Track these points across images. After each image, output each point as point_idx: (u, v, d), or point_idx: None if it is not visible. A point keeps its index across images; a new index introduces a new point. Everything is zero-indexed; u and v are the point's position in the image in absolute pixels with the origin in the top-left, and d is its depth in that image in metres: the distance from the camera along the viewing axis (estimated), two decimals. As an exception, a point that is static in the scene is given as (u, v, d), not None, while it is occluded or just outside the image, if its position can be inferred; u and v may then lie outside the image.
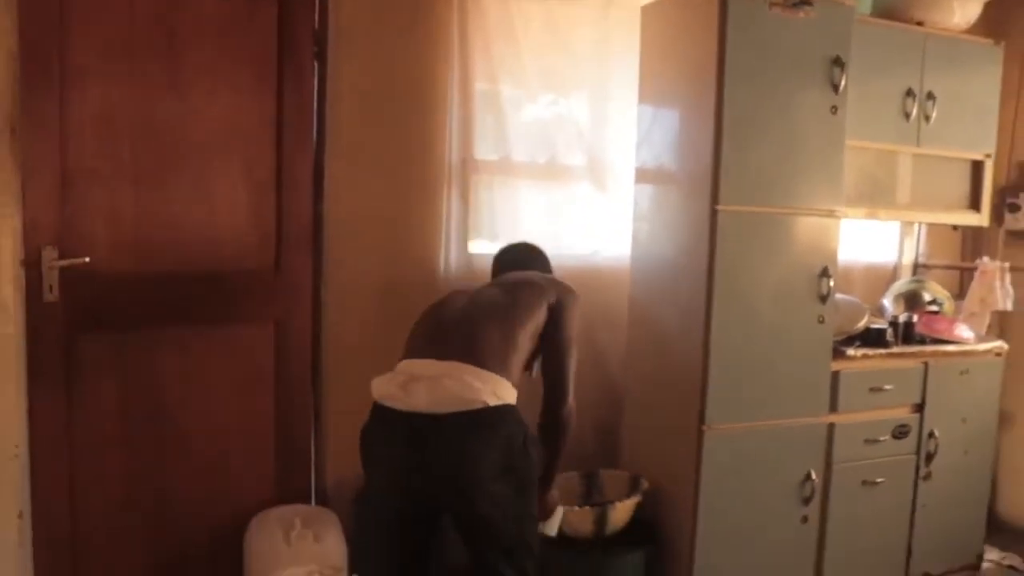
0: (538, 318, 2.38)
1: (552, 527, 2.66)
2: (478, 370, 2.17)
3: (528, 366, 2.44)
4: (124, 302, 2.69)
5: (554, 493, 2.58)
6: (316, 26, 2.94)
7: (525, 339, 2.32)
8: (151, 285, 2.72)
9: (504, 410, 2.14)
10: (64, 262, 2.54)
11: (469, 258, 3.22)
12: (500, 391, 2.15)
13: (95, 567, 2.70)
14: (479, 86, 3.20)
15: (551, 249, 3.30)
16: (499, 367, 2.20)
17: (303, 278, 2.99)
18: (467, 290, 2.57)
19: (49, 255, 2.53)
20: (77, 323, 2.60)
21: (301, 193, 2.96)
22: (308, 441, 3.08)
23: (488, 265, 3.19)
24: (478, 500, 2.14)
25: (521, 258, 2.81)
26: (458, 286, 2.80)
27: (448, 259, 3.20)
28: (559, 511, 2.67)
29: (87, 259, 2.57)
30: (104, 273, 2.63)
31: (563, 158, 3.36)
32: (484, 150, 3.25)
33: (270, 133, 2.88)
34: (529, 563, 2.24)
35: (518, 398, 2.25)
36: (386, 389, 2.21)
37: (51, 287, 2.54)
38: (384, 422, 2.22)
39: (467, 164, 3.20)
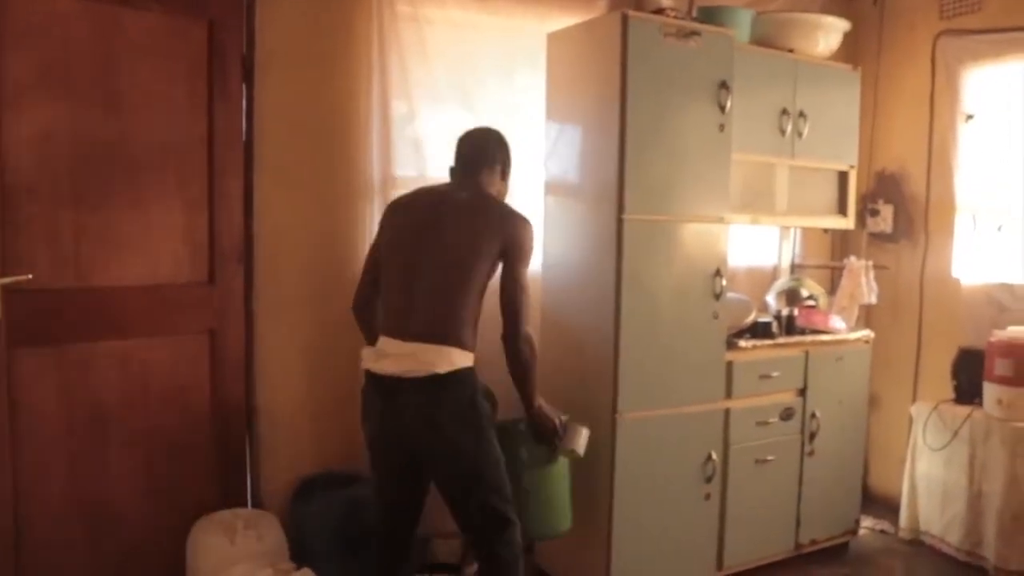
0: (483, 268, 2.58)
1: (580, 446, 2.84)
2: (435, 347, 2.49)
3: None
4: (65, 316, 2.76)
5: (540, 404, 2.75)
6: (244, 50, 3.09)
7: (474, 297, 2.58)
8: (91, 300, 2.80)
9: (454, 375, 2.49)
10: (7, 280, 2.60)
11: (391, 269, 3.41)
12: (453, 359, 2.49)
13: (41, 573, 2.75)
14: (396, 105, 3.41)
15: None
16: (454, 340, 2.51)
17: (235, 290, 3.13)
18: (418, 224, 2.63)
19: (-9, 273, 2.59)
20: (19, 338, 2.66)
21: (232, 209, 3.10)
22: (243, 447, 3.20)
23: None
24: (437, 446, 2.51)
25: (472, 158, 2.79)
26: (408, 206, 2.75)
27: (372, 270, 3.38)
28: (584, 432, 2.85)
29: (30, 276, 2.64)
30: (45, 289, 2.70)
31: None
32: (403, 167, 3.45)
33: (202, 152, 3.01)
34: (495, 498, 2.54)
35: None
36: (368, 360, 2.58)
37: (-7, 304, 2.60)
38: (369, 383, 2.60)
39: (387, 180, 3.40)
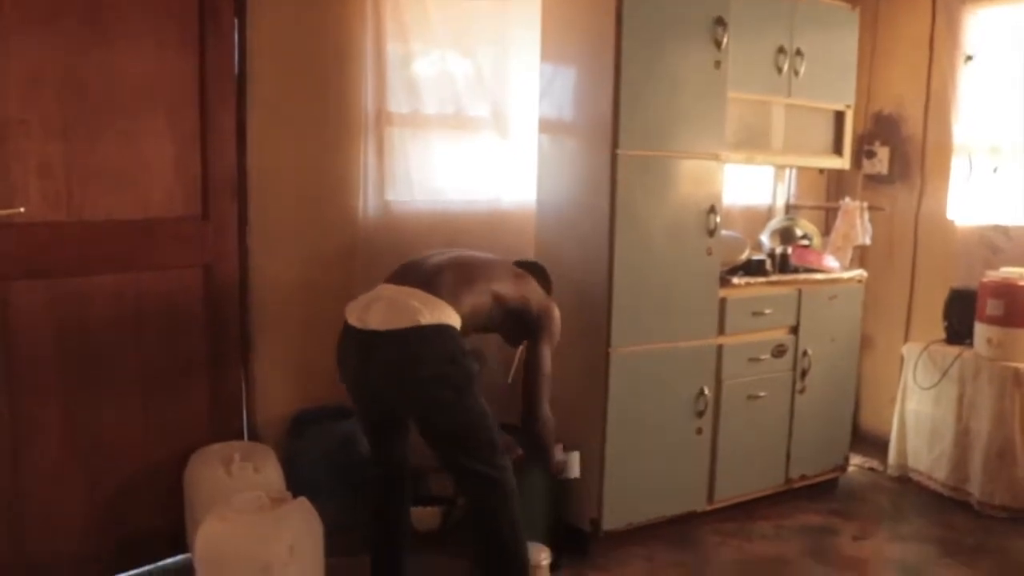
0: (506, 285, 2.69)
1: (574, 471, 3.06)
2: (425, 295, 2.47)
3: (490, 324, 2.74)
4: (58, 251, 2.74)
5: (555, 458, 2.91)
6: (236, -16, 3.05)
7: (485, 290, 2.62)
8: (84, 233, 2.79)
9: (436, 328, 2.42)
10: (-1, 213, 2.60)
11: (386, 204, 3.42)
12: (438, 313, 2.44)
13: (37, 510, 2.77)
14: (391, 41, 3.37)
15: (460, 195, 3.53)
16: (448, 296, 2.50)
17: (229, 225, 3.11)
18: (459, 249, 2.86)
19: (-18, 207, 2.57)
20: (12, 272, 2.65)
21: (225, 145, 3.07)
22: (239, 381, 3.22)
23: (403, 211, 3.41)
24: (416, 403, 2.48)
25: (526, 264, 2.97)
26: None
27: (366, 206, 3.38)
28: (575, 455, 3.06)
29: (22, 209, 2.63)
30: (37, 223, 2.68)
31: (469, 110, 3.58)
32: (397, 103, 3.43)
33: (193, 87, 2.97)
34: (483, 452, 2.49)
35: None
36: (352, 310, 2.53)
37: (-15, 238, 2.59)
38: (345, 337, 2.55)
39: (381, 116, 3.38)
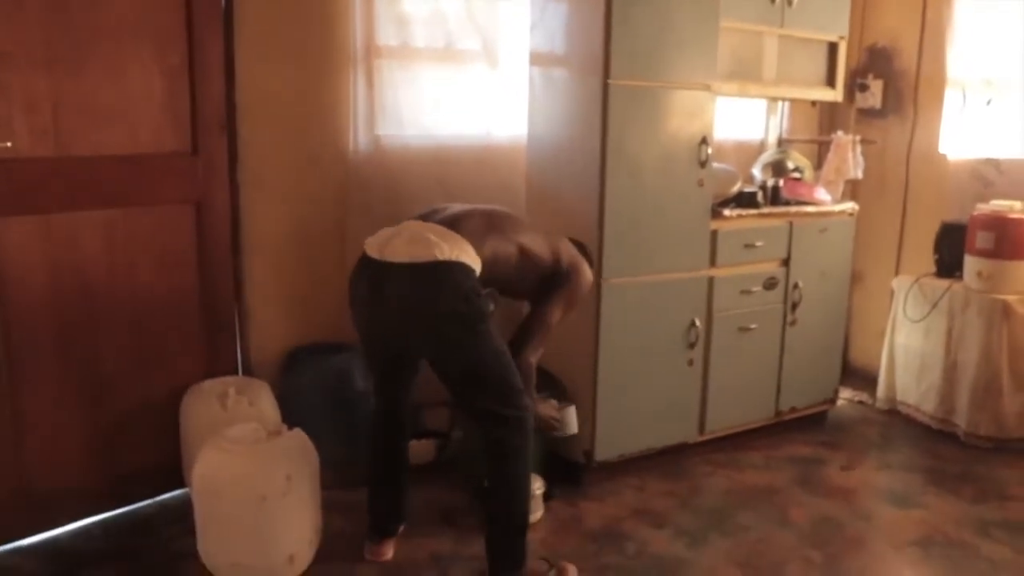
0: (534, 239, 2.64)
1: (571, 427, 3.07)
2: (446, 231, 2.43)
3: (514, 279, 2.63)
4: (47, 186, 2.72)
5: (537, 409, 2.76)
6: (221, -88, 2.98)
7: (512, 240, 2.57)
8: (72, 169, 2.76)
9: (451, 264, 2.36)
10: (-16, 146, 2.56)
11: (377, 139, 3.39)
12: (456, 251, 2.38)
13: (37, 447, 2.79)
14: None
15: (451, 130, 3.51)
16: (470, 237, 2.45)
17: (219, 160, 3.09)
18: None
19: (-32, 140, 2.54)
20: (1, 207, 2.63)
21: (213, 78, 3.03)
22: (232, 317, 3.22)
23: (394, 146, 3.38)
24: (428, 340, 2.44)
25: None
26: None
27: (357, 140, 3.35)
28: (571, 410, 3.06)
29: (8, 144, 2.60)
30: (25, 158, 2.65)
31: (459, 43, 3.53)
32: (386, 36, 3.38)
33: (180, 20, 2.92)
34: (501, 393, 2.43)
35: None
36: (373, 242, 2.49)
37: (-28, 172, 2.57)
38: (361, 268, 2.51)
39: (370, 49, 3.34)
